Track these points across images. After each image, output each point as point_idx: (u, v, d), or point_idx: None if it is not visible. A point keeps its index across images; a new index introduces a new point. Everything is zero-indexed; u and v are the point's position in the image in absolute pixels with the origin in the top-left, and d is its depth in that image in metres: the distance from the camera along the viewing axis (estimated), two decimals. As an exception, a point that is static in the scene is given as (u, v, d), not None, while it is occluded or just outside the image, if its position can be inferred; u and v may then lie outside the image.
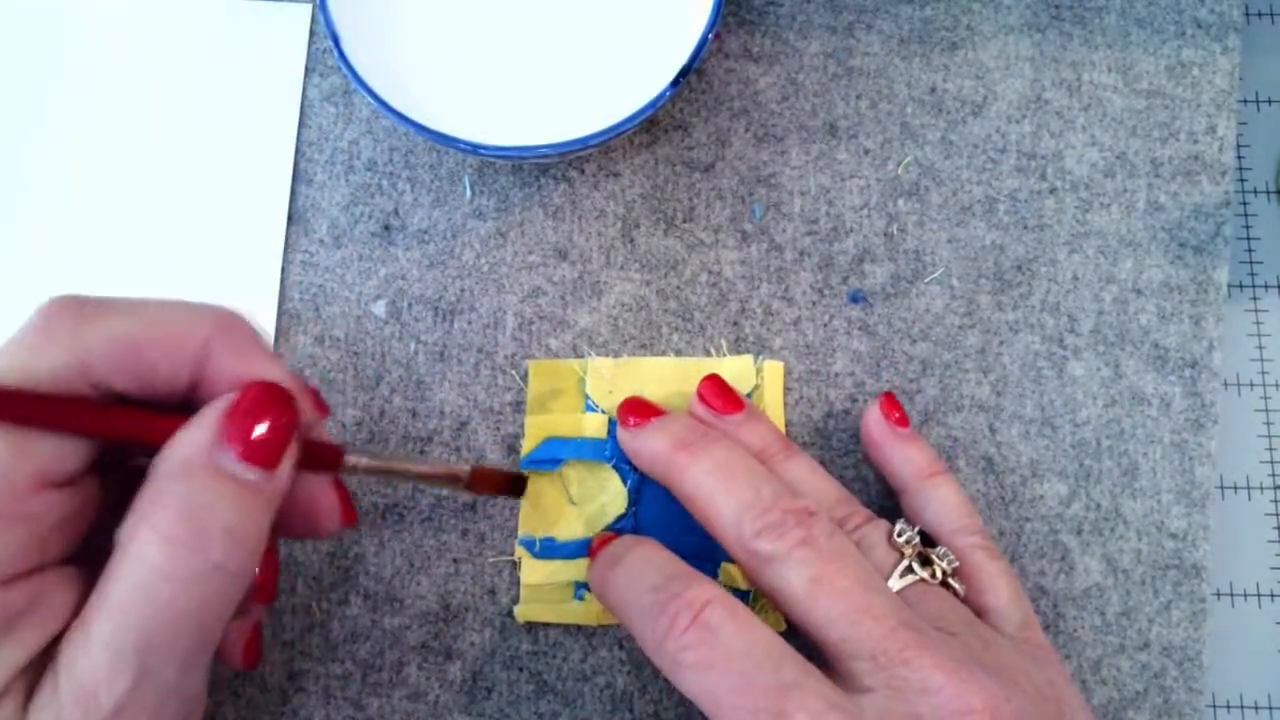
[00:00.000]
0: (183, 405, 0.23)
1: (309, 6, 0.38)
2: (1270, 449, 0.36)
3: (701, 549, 0.30)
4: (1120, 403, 0.35)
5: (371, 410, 0.35)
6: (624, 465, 0.33)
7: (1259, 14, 0.40)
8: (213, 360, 0.23)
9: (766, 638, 0.25)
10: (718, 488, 0.28)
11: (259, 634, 0.28)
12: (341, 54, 0.32)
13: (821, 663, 0.25)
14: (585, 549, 0.32)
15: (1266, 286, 0.37)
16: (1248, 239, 0.38)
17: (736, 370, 0.34)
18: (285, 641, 0.33)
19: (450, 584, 0.34)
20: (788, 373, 0.35)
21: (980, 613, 0.29)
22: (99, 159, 0.37)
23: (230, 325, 0.24)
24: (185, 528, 0.21)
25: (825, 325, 0.35)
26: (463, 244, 0.36)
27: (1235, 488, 0.36)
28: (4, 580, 0.21)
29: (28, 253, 0.36)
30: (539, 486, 0.33)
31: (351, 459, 0.26)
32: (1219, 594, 0.35)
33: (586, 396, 0.34)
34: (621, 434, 0.31)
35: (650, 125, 0.37)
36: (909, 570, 0.28)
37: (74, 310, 0.22)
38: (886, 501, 0.34)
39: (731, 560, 0.28)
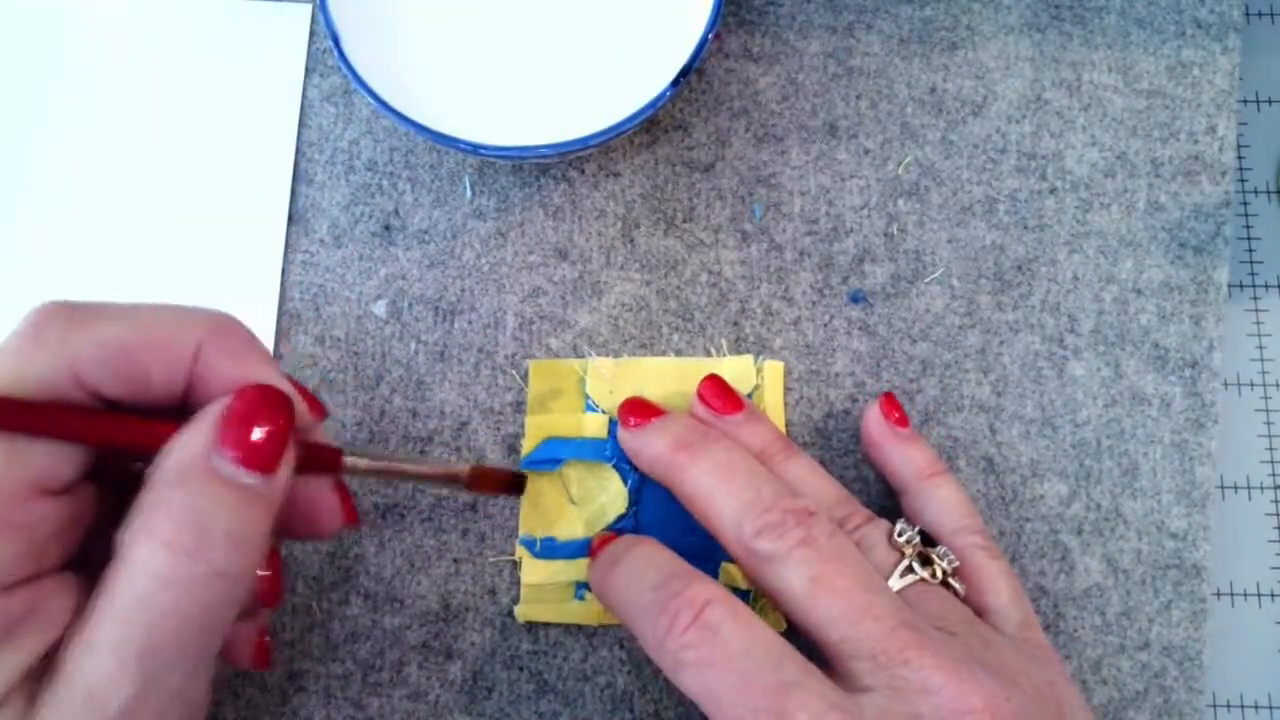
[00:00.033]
0: (178, 410, 0.23)
1: (309, 6, 0.38)
2: (1270, 449, 0.36)
3: (702, 549, 0.30)
4: (1120, 403, 0.35)
5: (372, 410, 0.35)
6: (624, 465, 0.33)
7: (1259, 14, 0.40)
8: (207, 364, 0.23)
9: (767, 637, 0.25)
10: (718, 488, 0.28)
11: (267, 636, 0.28)
12: (341, 54, 0.32)
13: (822, 663, 0.25)
14: (585, 549, 0.33)
15: (1266, 286, 0.37)
16: (1248, 239, 0.38)
17: (736, 370, 0.34)
18: (285, 641, 0.33)
19: (450, 584, 0.34)
20: (788, 373, 0.35)
21: (981, 613, 0.29)
22: (99, 159, 0.37)
23: (224, 328, 0.24)
24: (186, 534, 0.21)
25: (825, 325, 0.35)
26: (463, 244, 0.36)
27: (1235, 488, 0.36)
28: (2, 588, 0.21)
29: (27, 253, 0.36)
30: (539, 486, 0.33)
31: (350, 460, 0.26)
32: (1219, 594, 0.35)
33: (587, 396, 0.34)
34: (622, 434, 0.31)
35: (650, 125, 0.37)
36: (909, 570, 0.28)
37: (64, 316, 0.22)
38: (886, 501, 0.34)
39: (732, 560, 0.28)
